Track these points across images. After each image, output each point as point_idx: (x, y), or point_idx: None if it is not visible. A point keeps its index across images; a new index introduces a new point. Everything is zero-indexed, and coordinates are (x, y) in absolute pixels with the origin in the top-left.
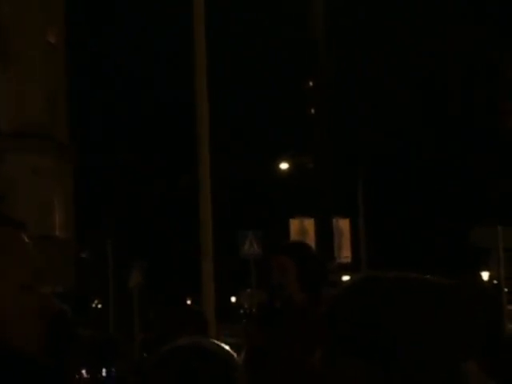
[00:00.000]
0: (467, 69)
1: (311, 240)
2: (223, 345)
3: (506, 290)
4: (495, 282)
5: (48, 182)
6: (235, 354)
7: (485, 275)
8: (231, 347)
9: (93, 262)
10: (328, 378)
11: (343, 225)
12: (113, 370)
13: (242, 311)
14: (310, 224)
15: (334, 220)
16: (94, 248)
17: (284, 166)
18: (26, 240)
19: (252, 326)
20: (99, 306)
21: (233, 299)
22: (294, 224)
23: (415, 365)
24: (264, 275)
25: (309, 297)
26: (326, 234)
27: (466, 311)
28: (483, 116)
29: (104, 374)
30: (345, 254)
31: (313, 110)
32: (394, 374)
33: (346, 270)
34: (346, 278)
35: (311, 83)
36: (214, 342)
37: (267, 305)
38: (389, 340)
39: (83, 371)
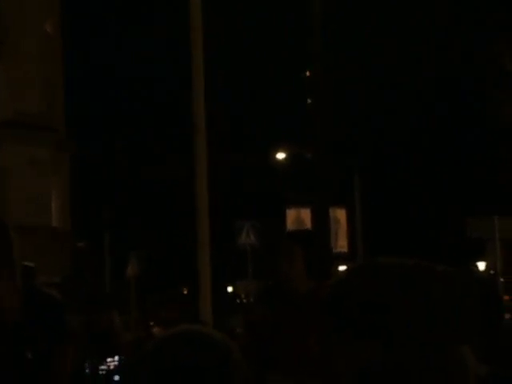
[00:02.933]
0: (468, 61)
1: None
2: (220, 332)
3: (502, 279)
4: (492, 272)
5: (45, 172)
6: (232, 341)
7: (481, 265)
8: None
9: (90, 252)
10: (329, 361)
11: (340, 214)
12: (122, 357)
13: (238, 301)
14: (306, 214)
15: (331, 210)
16: (90, 238)
17: (281, 155)
18: None
19: (256, 309)
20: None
21: (229, 289)
22: (291, 214)
23: (414, 347)
24: (267, 262)
25: (314, 284)
26: (322, 223)
27: (464, 296)
28: (480, 107)
29: (117, 361)
30: (341, 244)
31: (309, 100)
32: (394, 355)
33: (342, 259)
34: (342, 267)
35: (308, 73)
36: (212, 329)
37: (271, 289)
38: (389, 322)
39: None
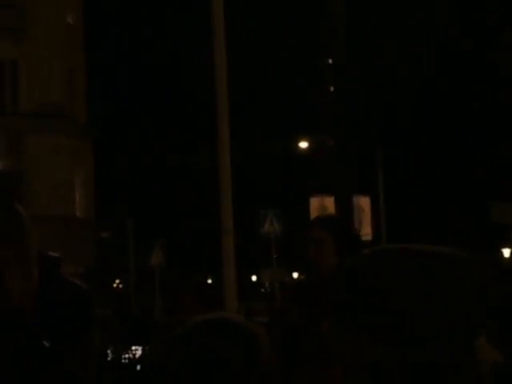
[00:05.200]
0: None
1: None
2: (246, 319)
3: None
4: None
5: (67, 162)
6: (262, 328)
7: (506, 252)
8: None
9: (113, 242)
10: (337, 350)
11: (363, 202)
12: (146, 347)
13: (262, 290)
14: (329, 202)
15: (354, 198)
16: (114, 227)
17: (304, 144)
18: None
19: (287, 301)
20: (120, 285)
21: (253, 278)
22: (314, 202)
23: (425, 338)
24: (294, 250)
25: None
26: (345, 211)
27: (480, 286)
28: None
29: (140, 351)
30: (365, 232)
31: (332, 88)
32: (404, 347)
33: (366, 247)
34: None
35: (330, 61)
36: (241, 317)
37: (303, 280)
38: (400, 313)
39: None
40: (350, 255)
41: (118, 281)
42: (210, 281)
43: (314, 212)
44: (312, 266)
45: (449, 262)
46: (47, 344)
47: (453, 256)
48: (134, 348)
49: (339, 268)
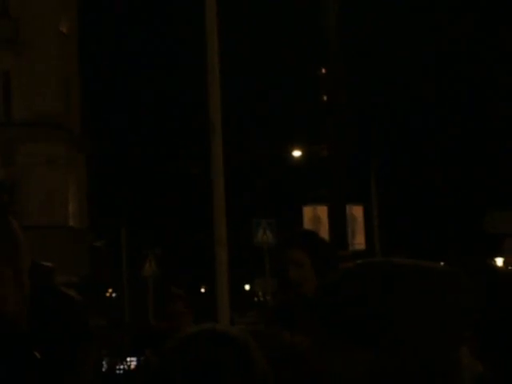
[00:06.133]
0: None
1: (324, 227)
2: (240, 330)
3: None
4: (510, 268)
5: (61, 172)
6: (252, 339)
7: (499, 261)
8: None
9: (107, 251)
10: (322, 365)
11: (356, 212)
12: (141, 358)
13: (256, 299)
14: (323, 211)
15: (348, 207)
16: (108, 237)
17: (297, 153)
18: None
19: (269, 321)
20: (113, 295)
21: (247, 287)
22: (307, 211)
23: (408, 350)
24: (277, 267)
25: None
26: (339, 221)
27: (459, 298)
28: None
29: (135, 362)
30: (359, 241)
31: (325, 97)
32: (387, 360)
33: (360, 256)
34: None
35: (324, 70)
36: (232, 327)
37: (283, 302)
38: (383, 326)
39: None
40: (329, 273)
41: (110, 290)
42: (203, 290)
43: (307, 221)
44: (294, 287)
45: (435, 276)
46: (39, 356)
47: (438, 270)
48: (129, 359)
49: (321, 284)
